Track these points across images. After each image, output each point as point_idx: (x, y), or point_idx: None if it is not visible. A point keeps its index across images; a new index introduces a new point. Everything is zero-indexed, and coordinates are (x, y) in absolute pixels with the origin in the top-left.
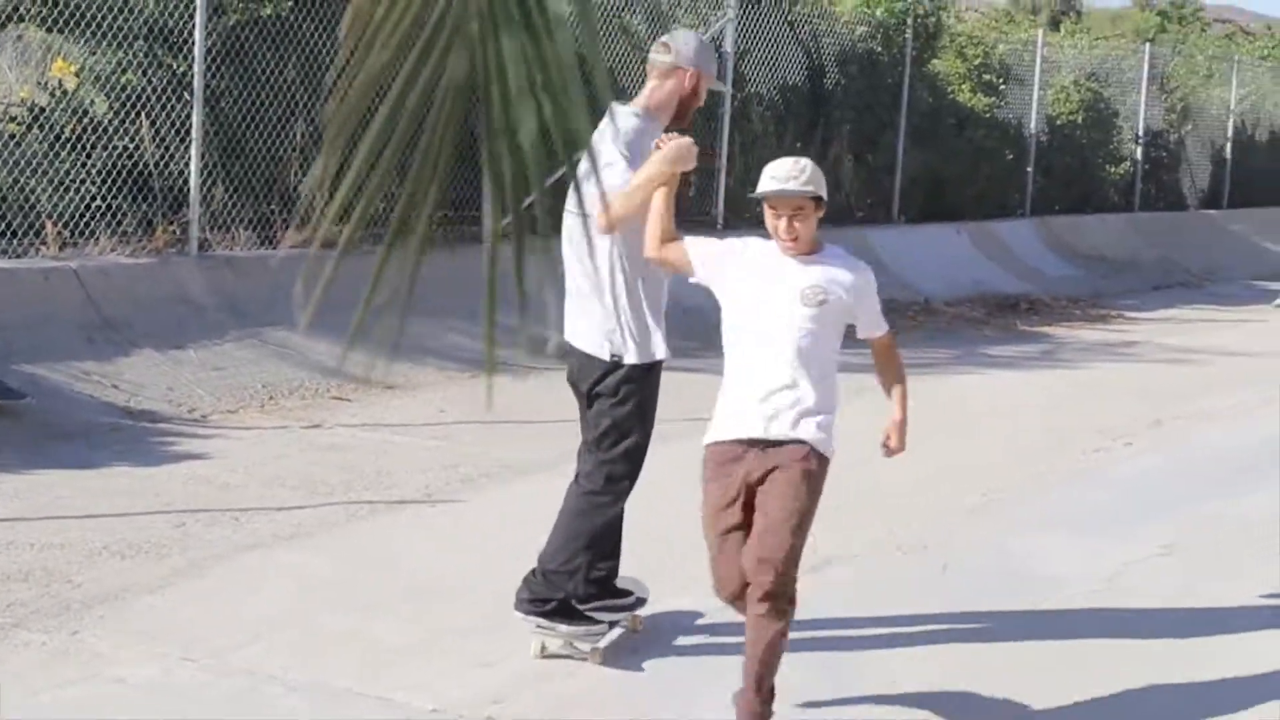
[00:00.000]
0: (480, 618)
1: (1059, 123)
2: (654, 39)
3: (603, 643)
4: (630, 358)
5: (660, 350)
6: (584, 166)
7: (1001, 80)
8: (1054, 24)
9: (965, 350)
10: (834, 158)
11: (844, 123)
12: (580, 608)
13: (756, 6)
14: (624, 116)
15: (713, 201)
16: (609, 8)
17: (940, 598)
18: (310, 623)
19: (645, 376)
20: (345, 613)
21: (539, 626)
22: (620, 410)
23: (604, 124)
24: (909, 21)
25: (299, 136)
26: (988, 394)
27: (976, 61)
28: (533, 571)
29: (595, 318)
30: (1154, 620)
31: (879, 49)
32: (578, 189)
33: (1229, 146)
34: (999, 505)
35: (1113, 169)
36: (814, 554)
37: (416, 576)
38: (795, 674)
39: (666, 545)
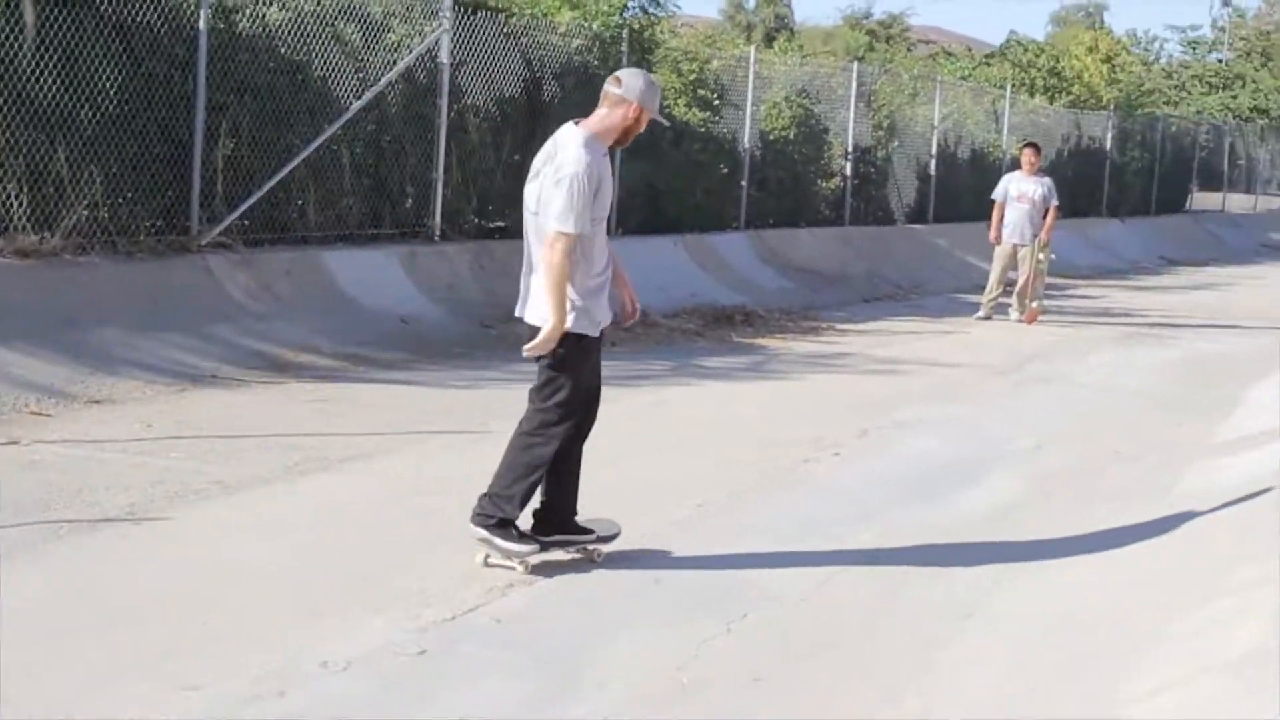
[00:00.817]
0: (188, 640)
1: (772, 138)
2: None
3: (534, 559)
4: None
5: (583, 327)
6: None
7: (716, 96)
8: (768, 40)
9: (681, 362)
10: None
11: None
12: (542, 539)
13: (472, 18)
14: (573, 136)
15: (430, 213)
16: (323, 16)
17: (653, 611)
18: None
19: (575, 344)
20: (39, 640)
21: (481, 539)
22: (553, 369)
23: (558, 140)
24: (624, 35)
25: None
26: (702, 406)
27: (692, 77)
28: (483, 494)
29: (540, 296)
30: (861, 625)
31: (595, 62)
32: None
33: (933, 163)
34: (711, 516)
35: (824, 184)
36: (523, 568)
37: (118, 598)
38: (516, 684)
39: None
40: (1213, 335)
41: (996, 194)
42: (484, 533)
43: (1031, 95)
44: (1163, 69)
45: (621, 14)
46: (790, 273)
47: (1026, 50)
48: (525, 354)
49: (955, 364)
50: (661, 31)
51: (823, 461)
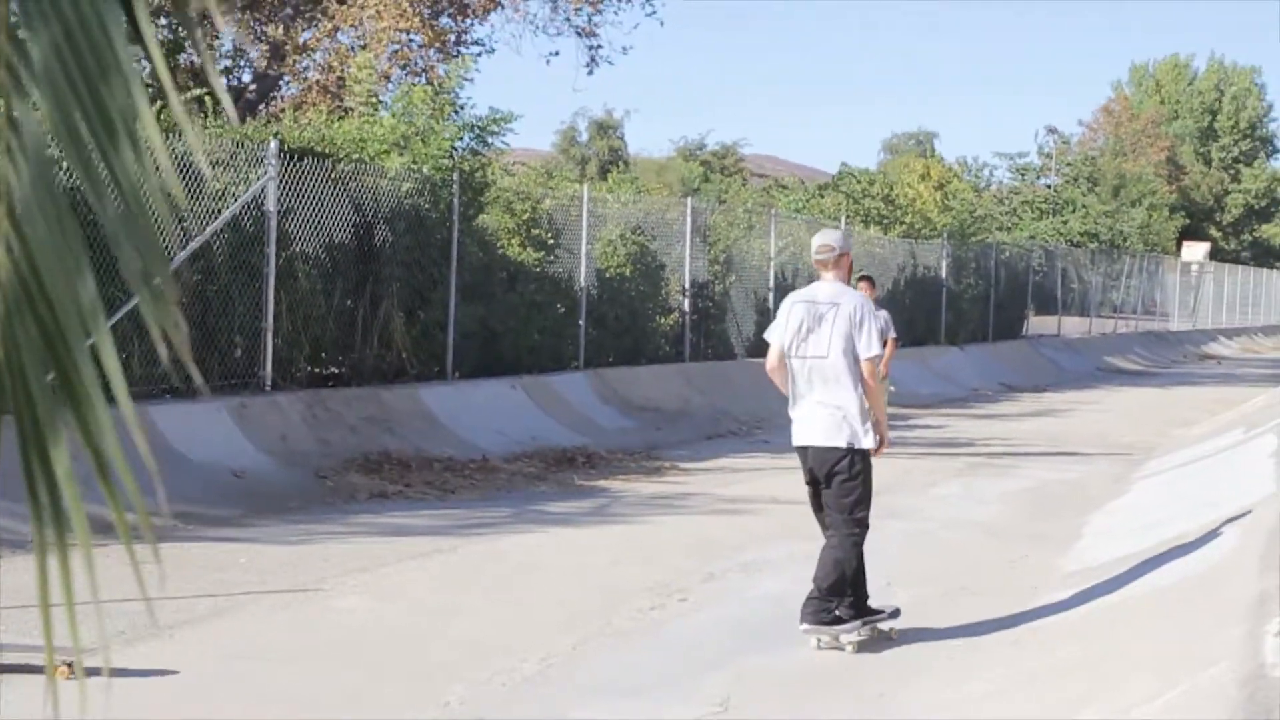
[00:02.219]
0: None
1: (608, 275)
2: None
3: (857, 637)
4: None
5: (872, 441)
6: (819, 317)
7: (551, 235)
8: (603, 173)
9: (522, 508)
10: (384, 315)
11: (394, 279)
12: (851, 623)
13: (299, 165)
14: (839, 288)
15: (261, 363)
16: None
17: None
18: None
19: (868, 455)
20: None
21: (814, 628)
22: (856, 479)
23: (828, 293)
24: (455, 178)
25: None
26: (544, 554)
27: (524, 217)
28: (809, 595)
29: (829, 422)
30: None
31: (426, 205)
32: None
33: (771, 296)
34: (556, 671)
35: (662, 320)
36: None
37: None
38: None
39: None
40: (1054, 463)
41: None
42: (819, 627)
43: (866, 225)
44: (994, 195)
45: (450, 155)
46: (631, 411)
47: (859, 181)
48: (877, 456)
49: (800, 501)
50: (492, 172)
51: (669, 608)
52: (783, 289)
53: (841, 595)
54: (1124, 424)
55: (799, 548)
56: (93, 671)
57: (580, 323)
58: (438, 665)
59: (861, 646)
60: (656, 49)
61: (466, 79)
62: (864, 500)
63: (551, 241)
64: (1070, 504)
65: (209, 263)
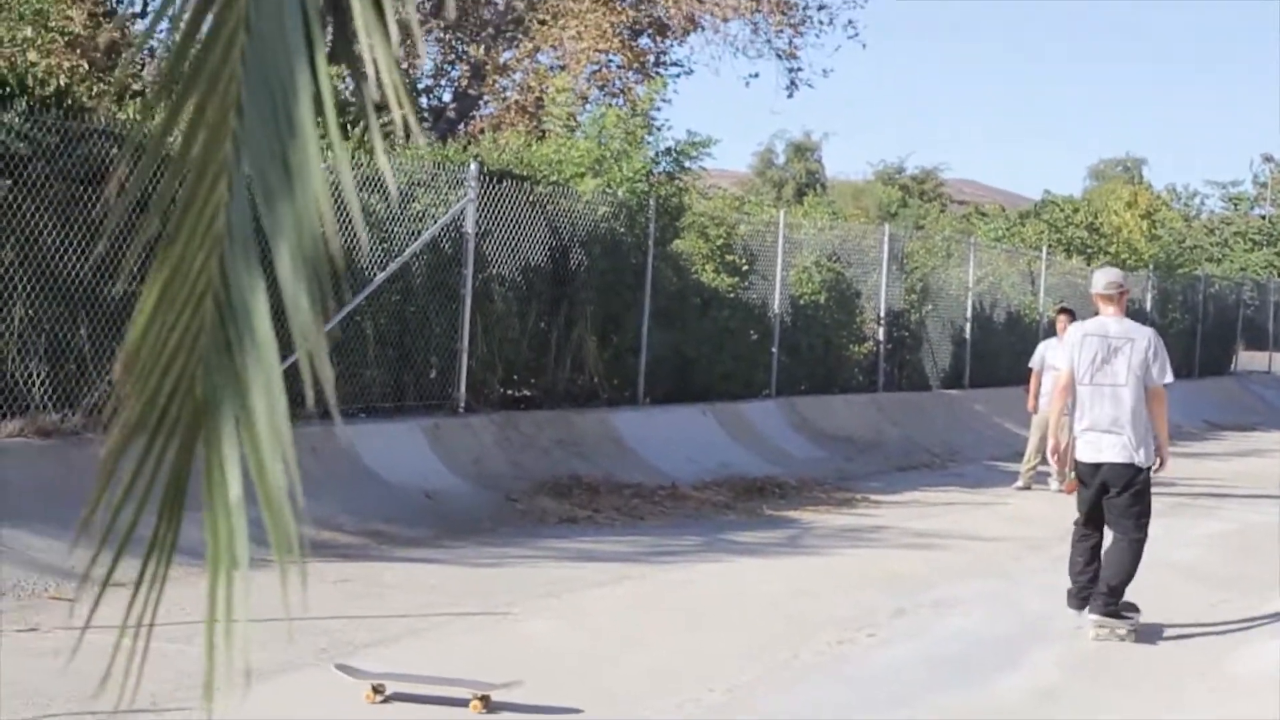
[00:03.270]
0: None
1: (802, 303)
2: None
3: (1130, 628)
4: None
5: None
6: (1114, 350)
7: (745, 261)
8: (799, 195)
9: (711, 537)
10: (577, 339)
11: (588, 303)
12: (1130, 617)
13: (498, 187)
14: (1131, 323)
15: (455, 384)
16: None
17: None
18: None
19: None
20: None
21: (1102, 619)
22: (1142, 492)
23: (1123, 329)
24: (651, 202)
25: (17, 321)
26: (732, 583)
27: (719, 242)
28: (1099, 590)
29: (1131, 440)
30: None
31: (622, 229)
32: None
33: (969, 327)
34: (740, 702)
35: (856, 348)
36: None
37: None
38: None
39: None
40: (1260, 505)
41: (1034, 362)
42: (1111, 619)
43: (1069, 255)
44: (1204, 225)
45: (647, 178)
46: (823, 441)
47: (1062, 209)
48: (1159, 471)
49: (993, 537)
50: (689, 197)
51: (858, 643)
52: (980, 320)
53: (1123, 592)
54: None
55: (991, 586)
56: (503, 707)
57: (773, 350)
58: (624, 692)
59: (1130, 636)
60: (857, 70)
61: (664, 100)
62: (1147, 510)
63: (746, 267)
64: (1276, 549)
65: (407, 283)
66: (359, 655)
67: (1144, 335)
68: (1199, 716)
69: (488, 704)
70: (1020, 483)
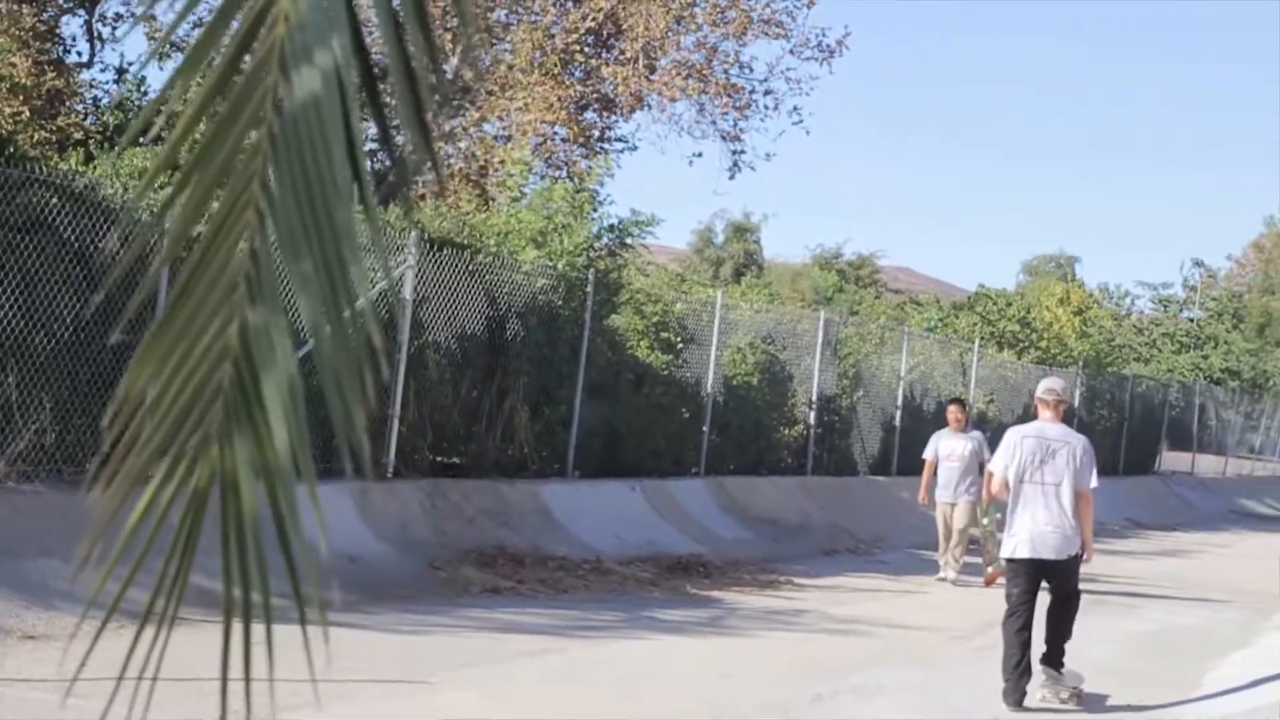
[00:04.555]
0: None
1: (735, 383)
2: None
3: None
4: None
5: None
6: (1051, 452)
7: (680, 339)
8: (737, 275)
9: (635, 614)
10: (509, 409)
11: (522, 374)
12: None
13: (438, 254)
14: (1066, 429)
15: (385, 450)
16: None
17: None
18: None
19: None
20: None
21: (1048, 674)
22: (1075, 576)
23: (1061, 434)
24: (590, 276)
25: None
26: (652, 662)
27: (655, 319)
28: (1044, 655)
29: (1071, 534)
30: None
31: (560, 302)
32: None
33: (899, 414)
34: None
35: (787, 431)
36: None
37: None
38: None
39: None
40: (1178, 606)
41: (927, 453)
42: (1055, 673)
43: (1000, 348)
44: (1134, 325)
45: (588, 253)
46: (750, 522)
47: (995, 302)
48: (1088, 562)
49: (915, 626)
50: (628, 273)
51: None
52: (910, 408)
53: (1060, 659)
54: (1255, 571)
55: (911, 675)
56: None
57: (704, 429)
58: None
59: (1072, 700)
60: (799, 153)
61: (608, 175)
62: (1078, 593)
63: (680, 345)
64: (1194, 650)
65: None
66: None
67: (1079, 441)
68: None
69: None
70: (941, 573)
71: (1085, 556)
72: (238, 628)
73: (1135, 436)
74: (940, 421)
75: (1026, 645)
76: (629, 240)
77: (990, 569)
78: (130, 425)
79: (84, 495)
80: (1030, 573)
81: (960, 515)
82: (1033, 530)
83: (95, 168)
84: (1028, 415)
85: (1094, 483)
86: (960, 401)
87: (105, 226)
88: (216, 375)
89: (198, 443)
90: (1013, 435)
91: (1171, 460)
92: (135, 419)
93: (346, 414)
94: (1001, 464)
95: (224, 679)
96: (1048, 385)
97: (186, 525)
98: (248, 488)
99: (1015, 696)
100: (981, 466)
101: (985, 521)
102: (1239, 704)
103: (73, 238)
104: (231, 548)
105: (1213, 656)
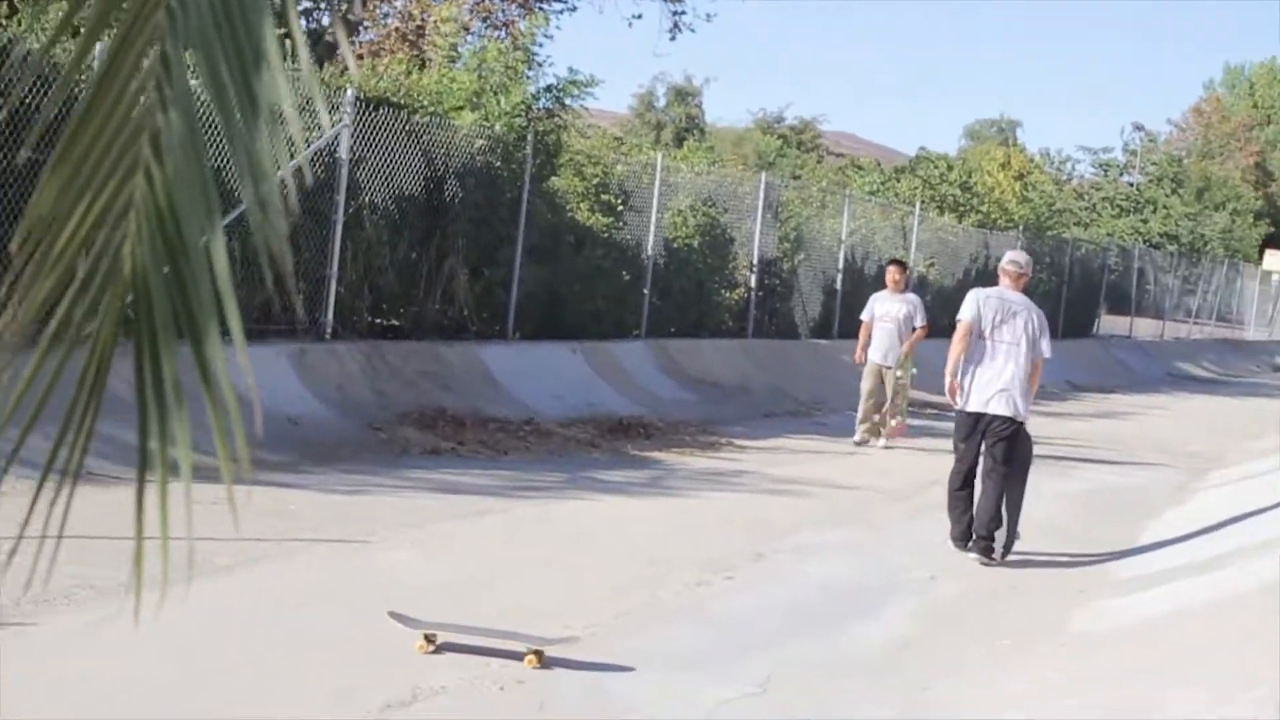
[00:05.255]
0: None
1: (676, 246)
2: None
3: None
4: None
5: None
6: (1011, 314)
7: (620, 201)
8: (678, 140)
9: (575, 474)
10: (449, 271)
11: (461, 235)
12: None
13: (374, 114)
14: (1023, 298)
15: (323, 310)
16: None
17: None
18: None
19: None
20: None
21: (984, 561)
22: (1016, 441)
23: (1021, 300)
24: (529, 138)
25: None
26: (592, 521)
27: (595, 181)
28: (976, 533)
29: (1024, 395)
30: None
31: (498, 163)
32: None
33: (840, 277)
34: (597, 640)
35: (728, 294)
36: (409, 689)
37: None
38: None
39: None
40: (1115, 467)
41: (864, 314)
42: (988, 557)
43: (941, 212)
44: (1074, 190)
45: (526, 113)
46: (690, 384)
47: (937, 166)
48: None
49: (855, 486)
50: (567, 135)
51: (715, 585)
52: (852, 271)
53: (998, 527)
54: (1191, 432)
55: (850, 534)
56: (557, 662)
57: (645, 291)
58: (481, 624)
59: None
60: (741, 17)
61: (546, 36)
62: (1027, 457)
63: (621, 208)
64: (1129, 509)
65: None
66: (213, 576)
67: (1038, 311)
68: (1044, 672)
69: (542, 659)
70: (857, 437)
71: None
72: (158, 488)
73: (1074, 300)
74: (881, 285)
75: (969, 498)
76: (567, 102)
77: (894, 422)
78: (37, 250)
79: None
80: (976, 425)
81: (894, 379)
82: (984, 385)
83: (19, 21)
84: (968, 279)
85: (1048, 352)
86: (900, 263)
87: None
88: (126, 189)
89: (108, 266)
90: (976, 294)
91: (1110, 324)
92: (42, 244)
93: (267, 222)
94: (970, 314)
95: (139, 537)
96: (1011, 257)
97: (94, 361)
98: (163, 318)
99: (958, 533)
100: (914, 328)
101: (900, 374)
102: (1173, 559)
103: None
104: (148, 392)
105: (1149, 516)
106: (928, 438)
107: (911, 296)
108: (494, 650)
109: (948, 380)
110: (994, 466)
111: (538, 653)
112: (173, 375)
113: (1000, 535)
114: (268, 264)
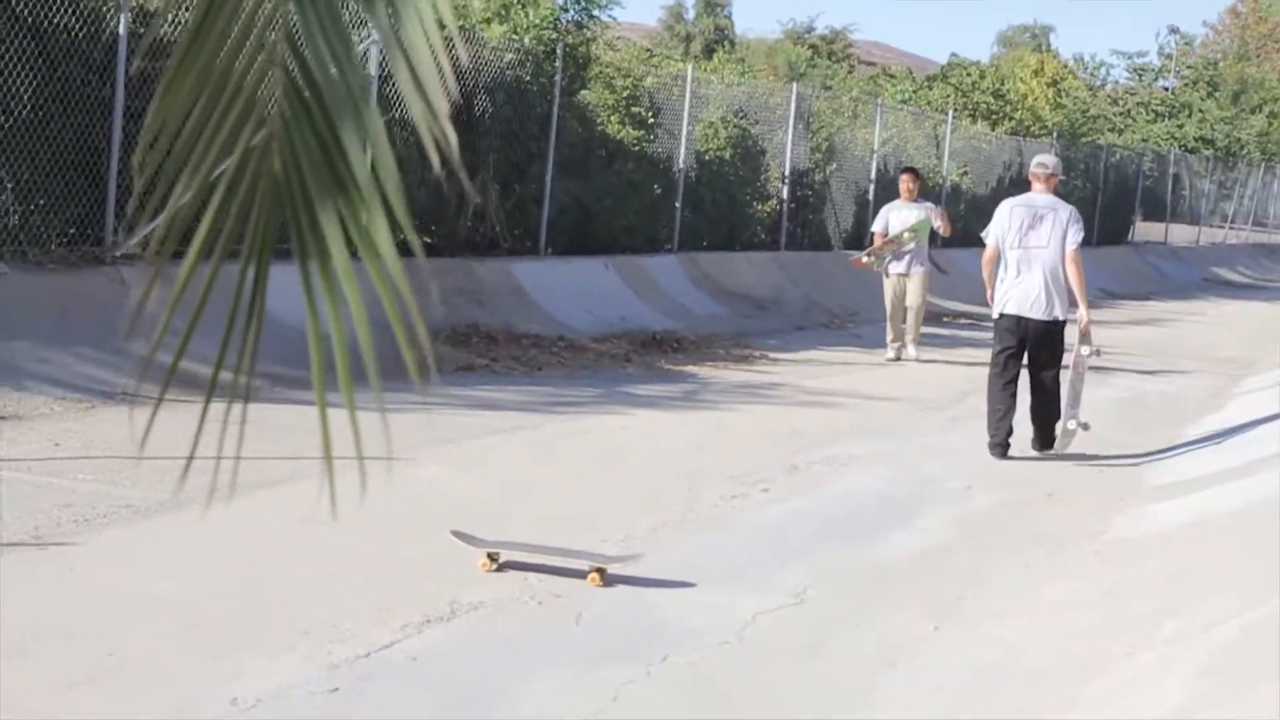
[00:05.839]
0: (90, 674)
1: (707, 158)
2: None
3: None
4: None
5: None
6: (1037, 219)
7: (651, 114)
8: (708, 52)
9: (608, 389)
10: (480, 186)
11: (491, 151)
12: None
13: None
14: (1054, 199)
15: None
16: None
17: (574, 651)
18: None
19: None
20: None
21: (1044, 455)
22: (1060, 342)
23: (1048, 203)
24: (558, 51)
25: None
26: (629, 435)
27: (625, 94)
28: (1035, 436)
29: (1061, 297)
30: (783, 671)
31: (527, 77)
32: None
33: (872, 188)
34: (635, 551)
35: (760, 206)
36: (447, 604)
37: (16, 627)
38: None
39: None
40: (1152, 374)
41: (876, 225)
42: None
43: (974, 120)
44: (1108, 95)
45: (554, 26)
46: (723, 298)
47: (969, 73)
48: (1084, 330)
49: (889, 398)
50: (596, 47)
51: (750, 498)
52: (884, 181)
53: (1054, 419)
54: (1226, 338)
55: (884, 445)
56: (620, 580)
57: (676, 205)
58: (518, 539)
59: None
60: None
61: None
62: (1060, 357)
63: (652, 121)
64: (1165, 416)
65: None
66: (246, 495)
67: (1066, 208)
68: (1080, 580)
69: (604, 577)
70: (890, 353)
71: (1082, 322)
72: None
73: (1109, 207)
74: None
75: (1013, 398)
76: (595, 13)
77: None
78: (168, 162)
79: (48, 276)
80: (1014, 329)
81: (915, 290)
82: (1018, 290)
83: None
84: (1001, 187)
85: (1075, 242)
86: (913, 171)
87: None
88: (265, 83)
89: (254, 171)
90: (1003, 206)
91: (1145, 230)
92: (174, 155)
93: (431, 113)
94: (994, 233)
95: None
96: (1039, 160)
97: (251, 271)
98: (331, 224)
99: (999, 439)
100: (933, 235)
101: (906, 235)
102: (1209, 465)
103: (26, 13)
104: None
105: (1186, 422)
106: (966, 348)
107: (927, 204)
108: (557, 568)
109: (990, 291)
110: (1039, 371)
111: (600, 570)
112: (342, 258)
113: (1060, 426)
114: (433, 150)
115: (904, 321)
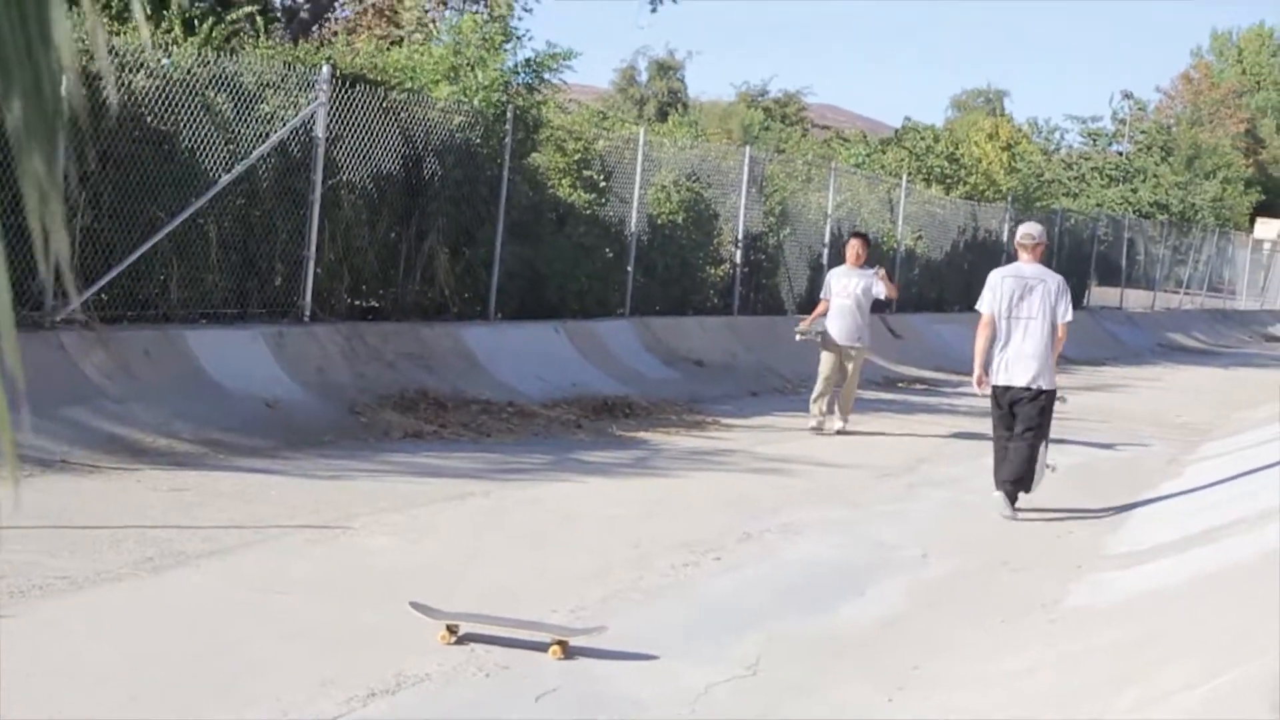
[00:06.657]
0: None
1: (660, 222)
2: (239, 117)
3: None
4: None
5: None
6: (1028, 289)
7: (603, 177)
8: (661, 115)
9: (559, 456)
10: (429, 250)
11: (440, 214)
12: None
13: (350, 91)
14: (1043, 268)
15: (300, 293)
16: (193, 85)
17: None
18: None
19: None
20: None
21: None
22: (1045, 410)
23: (1037, 273)
24: (508, 113)
25: None
26: (579, 503)
27: (577, 157)
28: (1007, 486)
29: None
30: None
31: (478, 140)
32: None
33: (826, 252)
34: (586, 622)
35: (713, 270)
36: (393, 675)
37: None
38: None
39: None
40: (1107, 441)
41: (824, 292)
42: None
43: (928, 184)
44: (1062, 160)
45: (505, 89)
46: (676, 362)
47: (924, 137)
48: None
49: (843, 464)
50: (547, 110)
51: (702, 566)
52: (838, 245)
53: (1027, 482)
54: (1183, 404)
55: (838, 513)
56: (582, 652)
57: (628, 269)
58: (468, 608)
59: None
60: None
61: (525, 9)
62: (1048, 423)
63: (604, 184)
64: (1121, 483)
65: (254, 186)
66: (190, 565)
67: (1054, 278)
68: (1036, 650)
69: (566, 650)
70: (812, 422)
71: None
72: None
73: (1063, 272)
74: (868, 259)
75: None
76: (546, 75)
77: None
78: None
79: None
80: (1004, 396)
81: (855, 367)
82: (1010, 359)
83: None
84: (956, 251)
85: (1068, 316)
86: (862, 236)
87: None
88: None
89: None
90: (994, 276)
91: (1100, 296)
92: None
93: (46, 201)
94: (988, 303)
95: None
96: (1025, 230)
97: None
98: None
99: (1009, 504)
100: (873, 304)
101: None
102: (1168, 533)
103: None
104: None
105: (1143, 489)
106: (921, 413)
107: (869, 270)
108: (518, 641)
109: (976, 370)
110: (1021, 433)
111: (562, 643)
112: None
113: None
114: (41, 250)
115: (838, 385)
